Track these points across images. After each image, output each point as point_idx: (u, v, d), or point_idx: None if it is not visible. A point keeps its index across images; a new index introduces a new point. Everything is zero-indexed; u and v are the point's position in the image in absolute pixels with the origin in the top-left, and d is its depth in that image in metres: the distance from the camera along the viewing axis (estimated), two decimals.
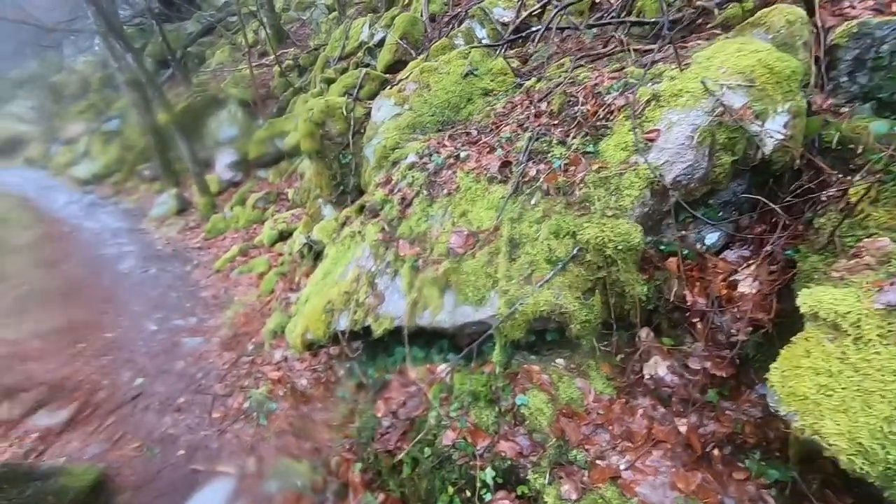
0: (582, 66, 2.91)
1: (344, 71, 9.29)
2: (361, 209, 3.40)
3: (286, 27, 13.00)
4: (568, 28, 3.92)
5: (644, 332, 2.23)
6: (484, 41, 5.21)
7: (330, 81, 8.93)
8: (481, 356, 2.46)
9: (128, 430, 3.74)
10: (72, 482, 2.70)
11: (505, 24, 5.39)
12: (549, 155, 2.43)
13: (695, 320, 2.11)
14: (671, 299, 2.16)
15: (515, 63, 4.24)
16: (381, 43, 8.99)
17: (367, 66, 8.48)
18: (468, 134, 3.14)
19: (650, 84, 2.28)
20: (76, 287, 6.05)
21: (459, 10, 6.34)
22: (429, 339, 2.89)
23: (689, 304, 2.13)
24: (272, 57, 12.30)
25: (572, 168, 2.31)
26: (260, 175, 8.78)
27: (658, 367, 2.15)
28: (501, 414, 2.22)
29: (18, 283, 5.98)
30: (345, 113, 4.31)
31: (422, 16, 7.73)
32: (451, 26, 6.49)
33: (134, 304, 5.71)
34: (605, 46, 3.48)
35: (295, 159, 8.44)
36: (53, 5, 12.90)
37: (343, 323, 2.84)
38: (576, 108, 2.50)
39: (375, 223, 2.97)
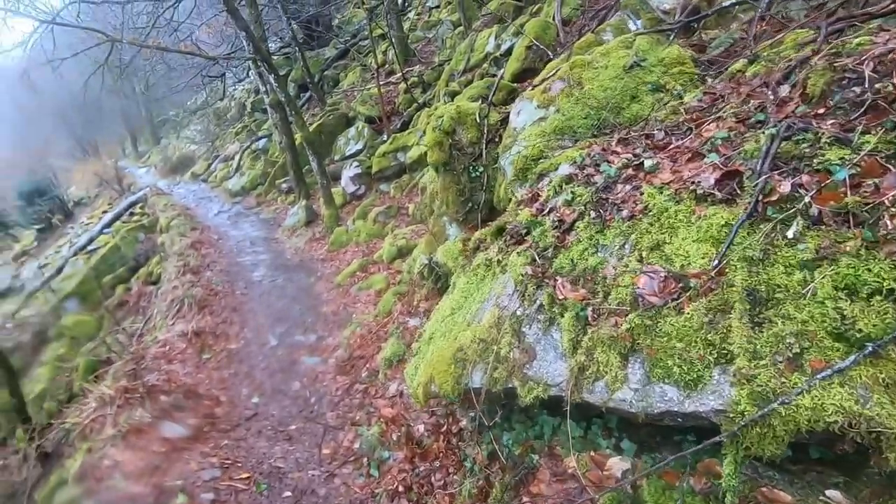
0: (855, 27, 1.92)
1: (468, 83, 8.90)
2: (500, 232, 2.74)
3: (413, 46, 13.15)
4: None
5: None
6: None
7: (454, 94, 8.58)
8: (683, 456, 1.61)
9: (239, 456, 3.48)
10: None
11: (667, 12, 4.44)
12: (817, 161, 1.52)
13: None
14: None
15: (688, 52, 3.31)
16: (508, 52, 8.45)
17: (493, 76, 7.98)
18: (649, 136, 2.31)
19: None
20: (214, 293, 6.28)
21: (605, 2, 5.48)
22: (585, 408, 2.10)
23: None
24: (398, 75, 12.48)
25: (869, 181, 1.38)
26: (382, 189, 8.69)
27: None
28: None
29: (172, 287, 6.38)
30: (478, 119, 3.72)
31: (553, 19, 7.01)
32: (593, 22, 5.66)
33: (260, 314, 5.72)
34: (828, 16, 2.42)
35: (416, 173, 8.20)
36: (219, 42, 14.57)
37: (477, 379, 2.17)
38: (860, 88, 1.56)
39: (523, 252, 2.26)
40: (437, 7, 14.95)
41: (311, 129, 12.58)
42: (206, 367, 4.49)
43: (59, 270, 13.71)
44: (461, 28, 11.44)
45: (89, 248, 13.46)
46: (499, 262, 2.46)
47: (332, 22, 17.11)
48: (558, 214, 2.26)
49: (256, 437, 3.65)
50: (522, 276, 2.17)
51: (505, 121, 3.69)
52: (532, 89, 3.53)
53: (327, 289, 6.21)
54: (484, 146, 3.67)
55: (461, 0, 10.61)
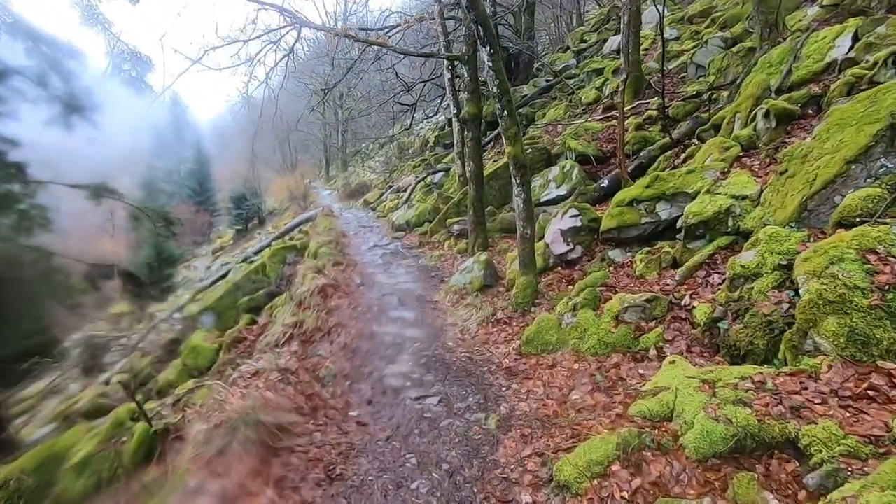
0: None
1: (809, 98, 4.66)
2: None
3: (647, 78, 9.38)
4: None
5: None
6: None
7: (782, 116, 4.45)
8: None
9: None
10: None
11: None
12: None
13: None
14: None
15: None
16: None
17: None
18: None
19: None
20: (311, 408, 3.00)
21: None
22: None
23: None
24: (629, 108, 8.78)
25: None
26: (614, 258, 4.81)
27: None
28: None
29: (251, 372, 3.32)
30: None
31: None
32: None
33: None
34: None
35: (698, 243, 4.20)
36: (416, 78, 12.76)
37: None
38: None
39: None
40: (678, 39, 11.02)
41: (498, 165, 9.50)
42: None
43: (226, 275, 12.71)
44: (741, 45, 7.34)
45: (253, 258, 12.22)
46: None
47: (533, 62, 14.37)
48: None
49: None
50: None
51: None
52: None
53: (533, 477, 2.44)
54: None
55: (760, 2, 6.51)
